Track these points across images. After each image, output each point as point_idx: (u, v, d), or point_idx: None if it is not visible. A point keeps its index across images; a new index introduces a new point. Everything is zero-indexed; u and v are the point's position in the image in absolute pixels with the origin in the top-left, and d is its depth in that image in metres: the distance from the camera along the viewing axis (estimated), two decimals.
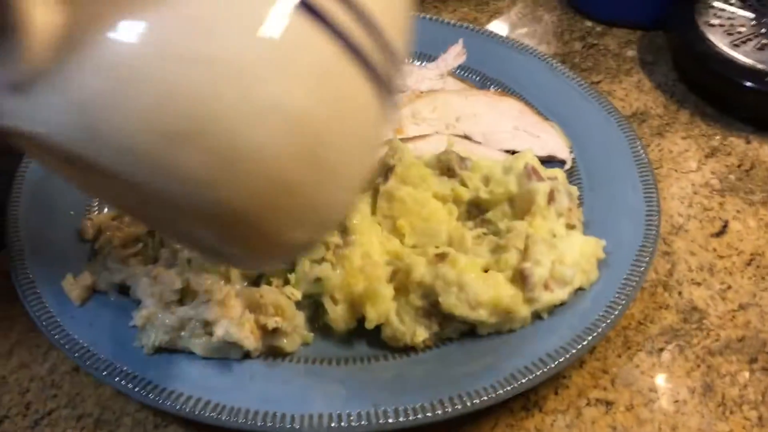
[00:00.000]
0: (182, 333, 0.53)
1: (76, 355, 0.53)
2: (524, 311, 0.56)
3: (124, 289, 0.58)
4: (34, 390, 0.57)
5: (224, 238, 0.34)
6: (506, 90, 0.79)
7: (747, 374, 0.59)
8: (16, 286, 0.57)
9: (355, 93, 0.33)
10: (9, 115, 0.31)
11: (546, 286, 0.56)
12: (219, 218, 0.32)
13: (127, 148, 0.30)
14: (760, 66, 0.79)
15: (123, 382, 0.51)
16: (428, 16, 0.88)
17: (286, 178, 0.31)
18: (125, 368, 0.52)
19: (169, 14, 0.29)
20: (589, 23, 0.98)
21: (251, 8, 0.30)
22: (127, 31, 0.29)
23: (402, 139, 0.70)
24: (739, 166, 0.77)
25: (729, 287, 0.65)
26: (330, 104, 0.32)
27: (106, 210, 0.64)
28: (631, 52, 0.93)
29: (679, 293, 0.65)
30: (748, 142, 0.80)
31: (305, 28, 0.30)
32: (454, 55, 0.79)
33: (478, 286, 0.55)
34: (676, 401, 0.57)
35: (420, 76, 0.76)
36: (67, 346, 0.53)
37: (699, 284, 0.65)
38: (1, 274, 0.64)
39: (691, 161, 0.78)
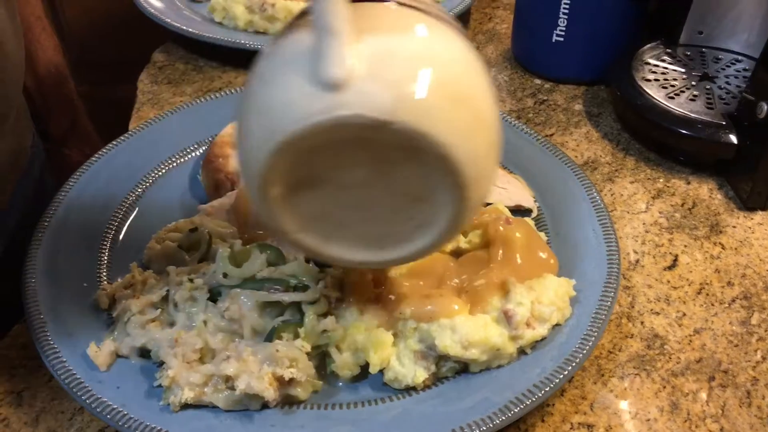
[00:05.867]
0: (205, 389, 0.58)
1: (108, 416, 0.57)
2: (511, 348, 0.63)
3: (144, 353, 0.63)
4: None
5: (455, 177, 0.49)
6: None
7: (707, 391, 0.66)
8: (41, 356, 0.61)
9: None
10: (326, 110, 0.46)
11: (528, 324, 0.63)
12: (459, 160, 0.48)
13: (422, 106, 0.47)
14: (693, 115, 0.89)
15: None
16: None
17: (494, 138, 0.52)
18: (155, 426, 0.57)
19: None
20: (538, 81, 1.08)
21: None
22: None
23: None
24: (682, 205, 0.86)
25: (684, 315, 0.73)
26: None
27: (119, 279, 0.69)
28: (578, 106, 1.03)
29: (642, 323, 0.72)
30: (688, 183, 0.89)
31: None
32: None
33: (469, 328, 0.62)
34: (648, 420, 0.64)
35: None
36: (98, 409, 0.57)
37: (658, 314, 0.73)
38: (18, 346, 0.69)
39: (640, 203, 0.87)
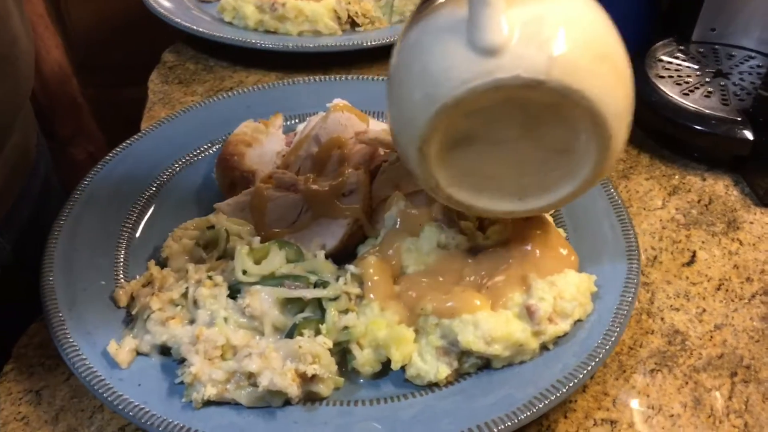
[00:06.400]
0: (228, 386, 0.58)
1: (131, 414, 0.57)
2: (533, 343, 0.62)
3: (165, 350, 0.62)
4: None
5: (602, 129, 0.54)
6: None
7: (729, 387, 0.66)
8: (61, 354, 0.61)
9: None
10: (485, 74, 0.51)
11: (550, 320, 0.63)
12: (606, 113, 0.53)
13: (572, 65, 0.51)
14: (708, 111, 0.88)
15: None
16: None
17: (631, 91, 0.56)
18: (179, 423, 0.56)
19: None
20: None
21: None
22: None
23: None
24: (698, 202, 0.86)
25: (704, 310, 0.73)
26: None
27: (138, 277, 0.69)
28: None
29: (662, 319, 0.72)
30: (704, 180, 0.89)
31: None
32: None
33: (492, 324, 0.61)
34: (672, 416, 0.63)
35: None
36: (120, 407, 0.57)
37: (677, 309, 0.73)
38: (35, 345, 0.68)
39: (656, 199, 0.86)
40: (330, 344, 0.61)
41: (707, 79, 0.94)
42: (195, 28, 1.11)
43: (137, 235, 0.76)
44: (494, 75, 0.51)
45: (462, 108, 0.53)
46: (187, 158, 0.86)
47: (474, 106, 0.53)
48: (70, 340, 0.62)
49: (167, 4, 1.18)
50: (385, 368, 0.63)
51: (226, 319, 0.62)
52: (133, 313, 0.65)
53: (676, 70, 0.96)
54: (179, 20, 1.13)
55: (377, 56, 1.10)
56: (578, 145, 0.56)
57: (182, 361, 0.61)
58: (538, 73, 0.51)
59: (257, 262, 0.66)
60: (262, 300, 0.62)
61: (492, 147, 0.57)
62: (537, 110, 0.54)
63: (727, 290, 0.75)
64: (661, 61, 0.97)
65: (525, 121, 0.55)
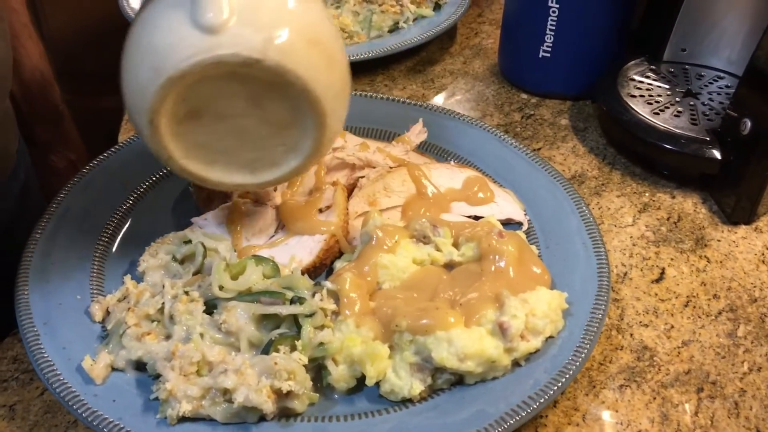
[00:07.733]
0: (203, 402, 0.58)
1: (105, 430, 0.57)
2: (506, 360, 0.63)
3: (140, 366, 0.63)
4: None
5: (316, 106, 0.60)
6: (463, 161, 0.88)
7: (696, 403, 0.67)
8: (36, 370, 0.61)
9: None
10: (207, 50, 0.56)
11: (522, 337, 0.64)
12: (318, 93, 0.59)
13: (287, 47, 0.57)
14: (677, 131, 0.90)
15: None
16: (387, 97, 0.97)
17: (345, 77, 0.65)
18: None
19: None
20: (524, 96, 1.09)
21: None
22: None
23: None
24: (668, 219, 0.88)
25: (672, 327, 0.74)
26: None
27: (114, 292, 0.69)
28: (564, 121, 1.04)
29: (631, 335, 0.73)
30: (673, 197, 0.91)
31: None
32: (416, 133, 0.88)
33: (465, 340, 0.62)
34: (640, 430, 0.65)
35: (388, 153, 0.85)
36: (95, 423, 0.57)
37: (646, 326, 0.74)
38: (9, 359, 0.68)
39: (627, 216, 0.88)
40: (305, 360, 0.61)
41: (677, 99, 0.96)
42: None
43: (113, 249, 0.76)
44: (215, 52, 0.56)
45: (187, 81, 0.57)
46: (164, 171, 0.86)
47: (199, 80, 0.57)
48: (45, 355, 0.62)
49: None
50: (359, 384, 0.64)
51: (201, 335, 0.62)
52: (109, 328, 0.65)
53: (648, 89, 0.98)
54: None
55: (356, 70, 1.10)
56: (297, 122, 0.62)
57: (157, 376, 0.61)
58: (255, 51, 0.56)
59: (234, 278, 0.66)
60: (238, 316, 0.63)
61: (220, 121, 0.62)
62: (260, 87, 0.59)
63: (694, 307, 0.77)
64: (633, 80, 0.99)
65: (249, 97, 0.60)
